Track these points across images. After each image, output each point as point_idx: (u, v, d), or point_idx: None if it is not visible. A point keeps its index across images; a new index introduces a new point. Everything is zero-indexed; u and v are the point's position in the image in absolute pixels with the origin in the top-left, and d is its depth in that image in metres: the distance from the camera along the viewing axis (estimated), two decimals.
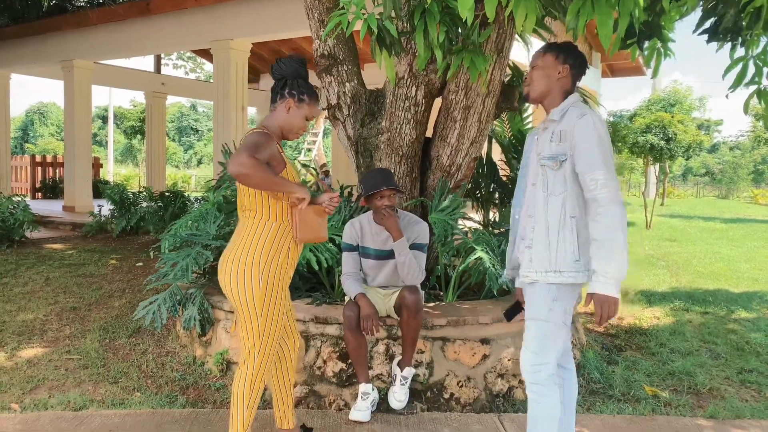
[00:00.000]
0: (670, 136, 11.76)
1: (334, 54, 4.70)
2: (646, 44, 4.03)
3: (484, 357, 3.64)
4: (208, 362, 4.01)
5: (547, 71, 2.55)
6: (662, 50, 4.00)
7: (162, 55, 18.57)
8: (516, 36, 4.62)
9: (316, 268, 3.80)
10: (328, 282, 4.16)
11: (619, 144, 9.18)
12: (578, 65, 2.57)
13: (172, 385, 3.78)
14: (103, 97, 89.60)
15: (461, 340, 3.63)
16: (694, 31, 3.94)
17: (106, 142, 33.19)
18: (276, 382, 2.86)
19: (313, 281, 4.33)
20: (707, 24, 3.94)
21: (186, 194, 9.54)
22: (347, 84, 4.69)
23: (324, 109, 4.87)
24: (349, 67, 4.72)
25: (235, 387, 2.58)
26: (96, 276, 6.45)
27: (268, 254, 2.52)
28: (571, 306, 2.47)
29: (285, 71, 2.72)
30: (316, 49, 4.76)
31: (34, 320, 4.89)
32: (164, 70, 18.53)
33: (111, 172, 29.97)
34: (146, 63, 17.86)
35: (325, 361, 3.61)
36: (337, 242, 3.96)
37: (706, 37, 4.19)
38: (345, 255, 3.52)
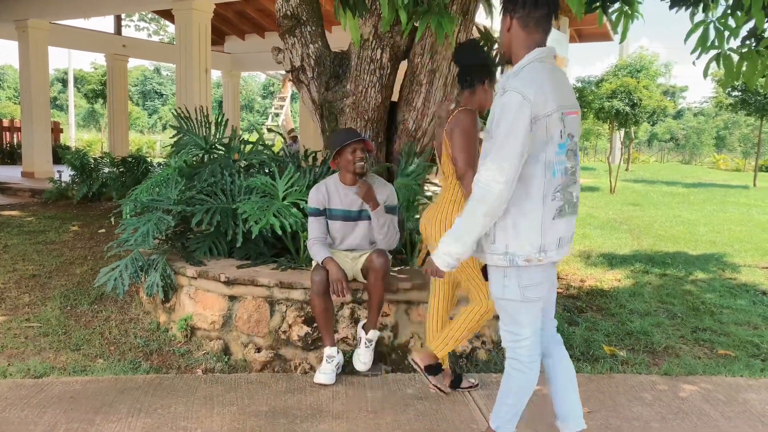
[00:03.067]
0: (635, 101, 11.89)
1: (298, 14, 4.60)
2: (615, 7, 4.04)
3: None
4: (172, 328, 3.98)
5: (503, 30, 2.42)
6: (629, 13, 4.01)
7: (123, 17, 17.96)
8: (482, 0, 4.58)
9: (280, 233, 3.78)
10: (293, 247, 4.14)
11: (585, 110, 9.24)
12: (522, 7, 2.32)
13: (135, 351, 3.75)
14: (63, 59, 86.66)
15: (425, 303, 3.66)
16: None
17: (67, 106, 32.17)
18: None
19: (279, 246, 4.31)
20: None
21: (149, 159, 9.35)
22: (311, 46, 4.61)
23: (287, 72, 4.79)
24: (313, 28, 4.63)
25: (467, 310, 3.01)
26: (56, 243, 6.32)
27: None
28: (533, 280, 2.37)
29: (472, 60, 3.01)
30: (278, 9, 4.66)
31: None
32: (126, 32, 17.94)
33: (73, 137, 29.17)
34: (107, 24, 17.23)
35: (290, 326, 3.61)
36: (301, 207, 3.93)
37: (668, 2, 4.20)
38: (311, 220, 3.51)
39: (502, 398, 2.51)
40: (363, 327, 3.45)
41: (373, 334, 3.41)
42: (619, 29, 3.95)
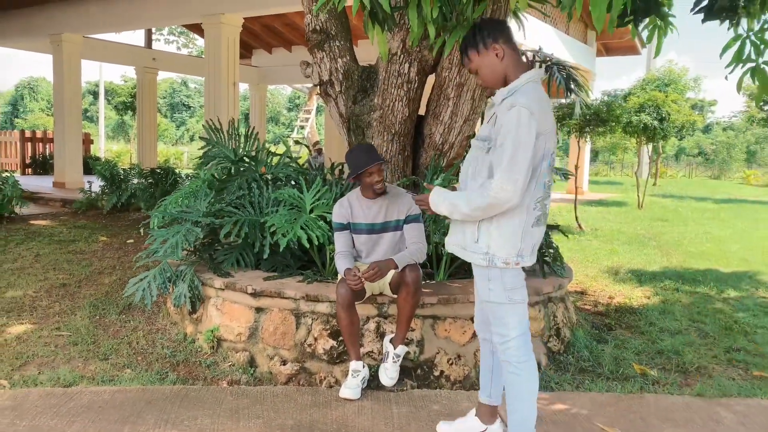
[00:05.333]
0: (664, 115, 11.73)
1: (326, 29, 4.63)
2: (645, 21, 3.99)
3: (474, 335, 3.64)
4: (199, 339, 4.00)
5: (487, 64, 2.50)
6: (662, 26, 3.96)
7: (153, 30, 18.32)
8: (511, 15, 4.57)
9: (307, 246, 3.78)
10: (320, 260, 4.15)
11: (613, 124, 9.14)
12: (507, 32, 2.52)
13: (162, 362, 3.77)
14: (94, 72, 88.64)
15: (452, 318, 3.64)
16: (692, 10, 3.90)
17: (98, 118, 32.84)
18: None
19: (305, 259, 4.32)
20: (704, 2, 3.90)
21: (177, 171, 9.47)
22: (339, 60, 4.64)
23: (315, 86, 4.82)
24: (342, 42, 4.65)
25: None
26: (86, 253, 6.42)
27: None
28: (516, 282, 2.50)
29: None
30: (308, 24, 4.70)
31: (23, 297, 4.87)
32: (156, 46, 18.30)
33: (102, 148, 29.73)
34: (137, 38, 17.63)
35: (316, 339, 3.61)
36: (328, 219, 3.94)
37: (701, 16, 4.14)
38: (336, 235, 3.51)
39: (509, 405, 2.55)
40: (390, 341, 3.43)
41: (401, 349, 3.38)
42: (654, 42, 3.90)
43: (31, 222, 8.34)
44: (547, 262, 4.29)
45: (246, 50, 17.92)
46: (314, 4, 4.57)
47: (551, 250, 4.40)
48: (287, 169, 4.67)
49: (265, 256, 3.97)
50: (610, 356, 4.03)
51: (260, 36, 16.70)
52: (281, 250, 3.76)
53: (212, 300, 3.98)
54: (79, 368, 3.61)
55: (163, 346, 3.99)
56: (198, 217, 4.04)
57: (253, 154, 4.83)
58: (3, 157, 18.37)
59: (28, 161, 17.67)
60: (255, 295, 3.75)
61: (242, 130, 5.01)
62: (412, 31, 3.45)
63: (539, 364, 3.80)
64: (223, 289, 3.90)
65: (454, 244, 2.63)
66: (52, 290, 5.06)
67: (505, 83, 2.50)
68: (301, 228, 3.82)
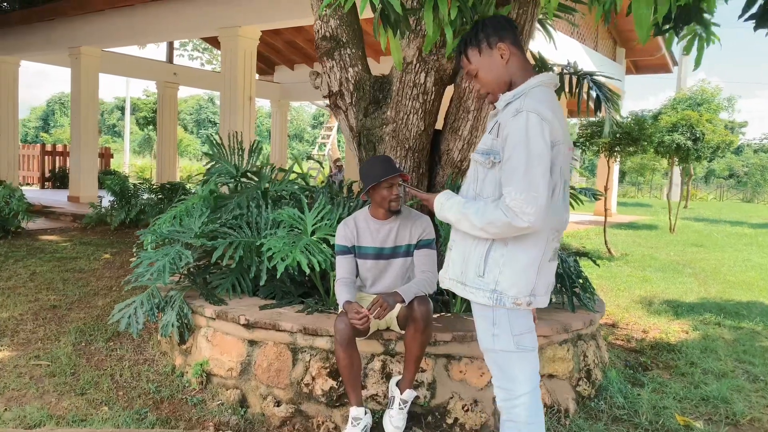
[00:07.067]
0: (698, 135, 11.18)
1: (337, 36, 4.28)
2: (684, 30, 3.59)
3: None
4: (188, 373, 3.62)
5: (488, 65, 2.13)
6: (704, 36, 3.55)
7: (177, 46, 18.29)
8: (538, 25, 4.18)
9: (308, 271, 3.38)
10: (322, 287, 3.75)
11: (645, 143, 8.65)
12: (512, 29, 2.14)
13: (145, 398, 3.39)
14: (122, 87, 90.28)
15: (468, 357, 3.21)
16: (740, 16, 3.46)
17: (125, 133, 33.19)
18: None
19: (307, 285, 3.93)
20: (755, 8, 3.47)
21: (188, 186, 9.18)
22: (350, 69, 4.27)
23: (324, 97, 4.46)
24: (353, 50, 4.30)
25: None
26: (85, 271, 6.10)
27: None
28: (526, 326, 2.08)
29: None
30: (317, 31, 4.35)
31: (8, 319, 4.54)
32: (180, 61, 18.25)
33: (127, 162, 29.87)
34: (160, 53, 17.55)
35: (314, 378, 3.20)
36: (331, 243, 3.55)
37: (736, 29, 3.71)
38: (338, 258, 3.12)
39: None
40: (397, 384, 3.01)
41: (409, 394, 2.96)
42: (684, 54, 3.49)
43: (37, 237, 8.09)
44: (577, 294, 3.84)
45: (268, 66, 17.78)
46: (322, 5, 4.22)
47: (580, 280, 3.95)
48: (291, 186, 4.30)
49: (262, 283, 3.59)
50: (648, 403, 3.55)
51: (282, 52, 16.53)
52: (279, 276, 3.38)
53: (203, 330, 3.60)
54: (51, 405, 3.24)
55: (148, 379, 3.62)
56: (189, 238, 3.68)
57: (256, 169, 4.48)
58: (25, 170, 18.42)
59: (47, 175, 17.66)
60: (248, 326, 3.37)
61: (265, 146, 4.67)
62: (428, 35, 3.08)
63: (567, 411, 3.34)
64: (214, 319, 3.52)
65: (451, 278, 2.19)
66: (39, 313, 4.73)
67: (509, 90, 2.11)
68: (302, 252, 3.43)
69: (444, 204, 2.15)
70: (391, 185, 2.99)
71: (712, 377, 4.05)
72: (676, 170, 15.04)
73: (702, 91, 15.89)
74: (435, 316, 3.45)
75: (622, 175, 31.47)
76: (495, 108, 2.14)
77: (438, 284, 3.17)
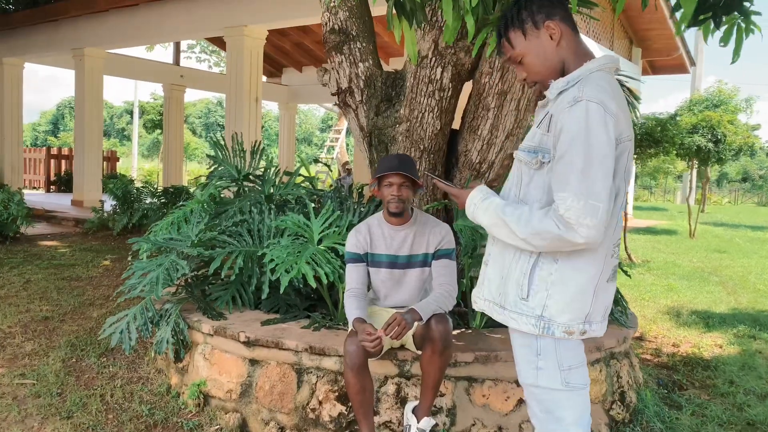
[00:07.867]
0: (719, 137, 10.80)
1: (346, 29, 3.98)
2: (723, 20, 3.27)
3: (520, 402, 2.89)
4: (184, 393, 3.32)
5: (535, 48, 1.78)
6: (743, 26, 3.23)
7: (184, 48, 18.07)
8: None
9: (314, 284, 3.07)
10: (330, 300, 3.44)
11: (667, 145, 8.30)
12: (556, 6, 1.78)
13: (137, 422, 3.09)
14: (131, 91, 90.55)
15: (492, 380, 2.89)
16: None
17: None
18: None
19: (313, 297, 3.63)
20: None
21: (192, 190, 8.91)
22: (361, 64, 3.98)
23: (333, 95, 4.16)
24: (364, 44, 4.00)
25: None
26: (82, 279, 5.82)
27: None
28: (576, 359, 1.75)
29: None
30: (325, 23, 4.06)
31: None
32: (187, 64, 18.03)
33: (135, 166, 29.73)
34: (168, 56, 17.26)
35: (320, 402, 2.89)
36: (340, 252, 3.24)
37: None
38: (349, 267, 2.82)
39: None
40: (413, 411, 2.70)
41: (427, 422, 2.64)
42: (721, 45, 3.17)
43: (36, 243, 7.84)
44: None
45: (276, 68, 17.52)
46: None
47: None
48: (297, 190, 4.00)
49: (264, 296, 3.28)
50: (689, 429, 3.21)
51: (290, 54, 16.27)
52: (282, 289, 3.07)
53: (200, 347, 3.30)
54: (33, 430, 2.94)
55: (141, 400, 3.32)
56: (185, 247, 3.38)
57: (259, 172, 4.18)
58: (31, 174, 18.26)
59: (53, 178, 17.48)
60: (249, 344, 3.06)
61: (273, 150, 4.38)
62: (447, 25, 2.76)
63: None
64: (212, 335, 3.22)
65: (487, 299, 1.85)
66: (30, 325, 4.44)
67: (562, 76, 1.76)
68: (307, 263, 3.12)
69: (478, 204, 1.80)
70: (391, 184, 2.70)
71: (755, 398, 3.71)
72: (693, 174, 14.64)
73: (719, 92, 15.48)
74: (455, 332, 3.13)
75: (635, 178, 31.03)
76: (544, 98, 1.79)
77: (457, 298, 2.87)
